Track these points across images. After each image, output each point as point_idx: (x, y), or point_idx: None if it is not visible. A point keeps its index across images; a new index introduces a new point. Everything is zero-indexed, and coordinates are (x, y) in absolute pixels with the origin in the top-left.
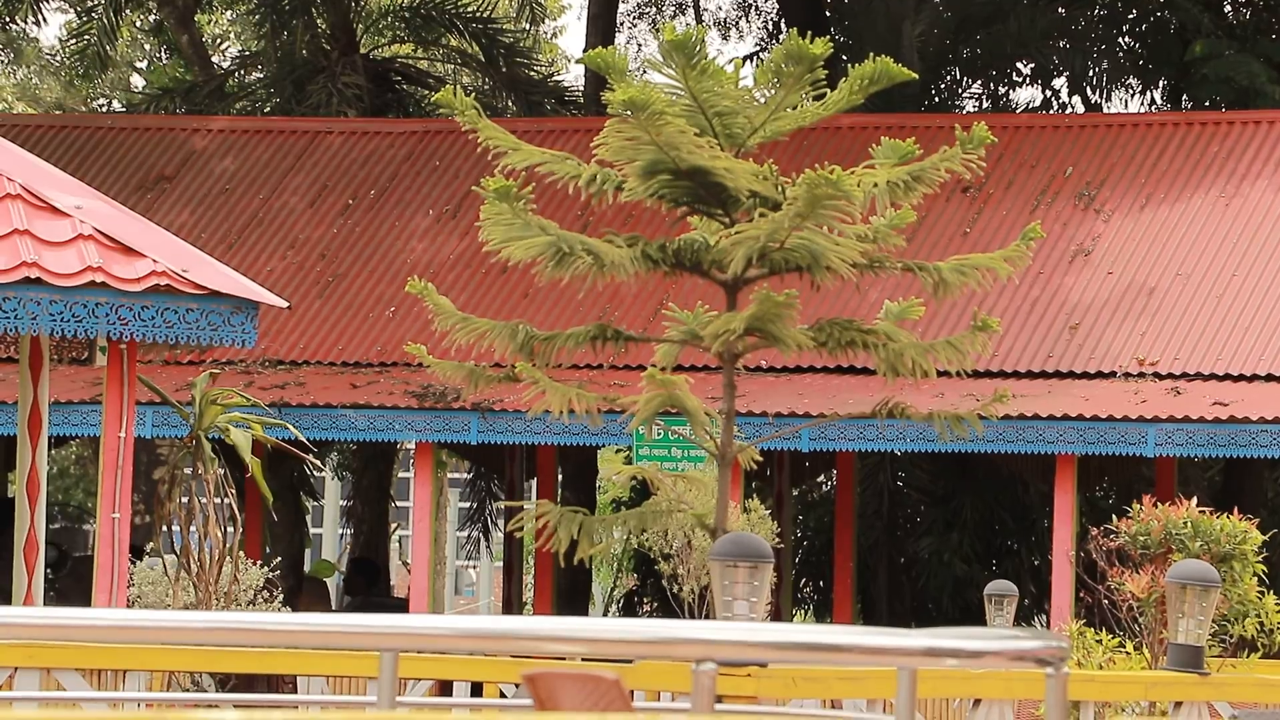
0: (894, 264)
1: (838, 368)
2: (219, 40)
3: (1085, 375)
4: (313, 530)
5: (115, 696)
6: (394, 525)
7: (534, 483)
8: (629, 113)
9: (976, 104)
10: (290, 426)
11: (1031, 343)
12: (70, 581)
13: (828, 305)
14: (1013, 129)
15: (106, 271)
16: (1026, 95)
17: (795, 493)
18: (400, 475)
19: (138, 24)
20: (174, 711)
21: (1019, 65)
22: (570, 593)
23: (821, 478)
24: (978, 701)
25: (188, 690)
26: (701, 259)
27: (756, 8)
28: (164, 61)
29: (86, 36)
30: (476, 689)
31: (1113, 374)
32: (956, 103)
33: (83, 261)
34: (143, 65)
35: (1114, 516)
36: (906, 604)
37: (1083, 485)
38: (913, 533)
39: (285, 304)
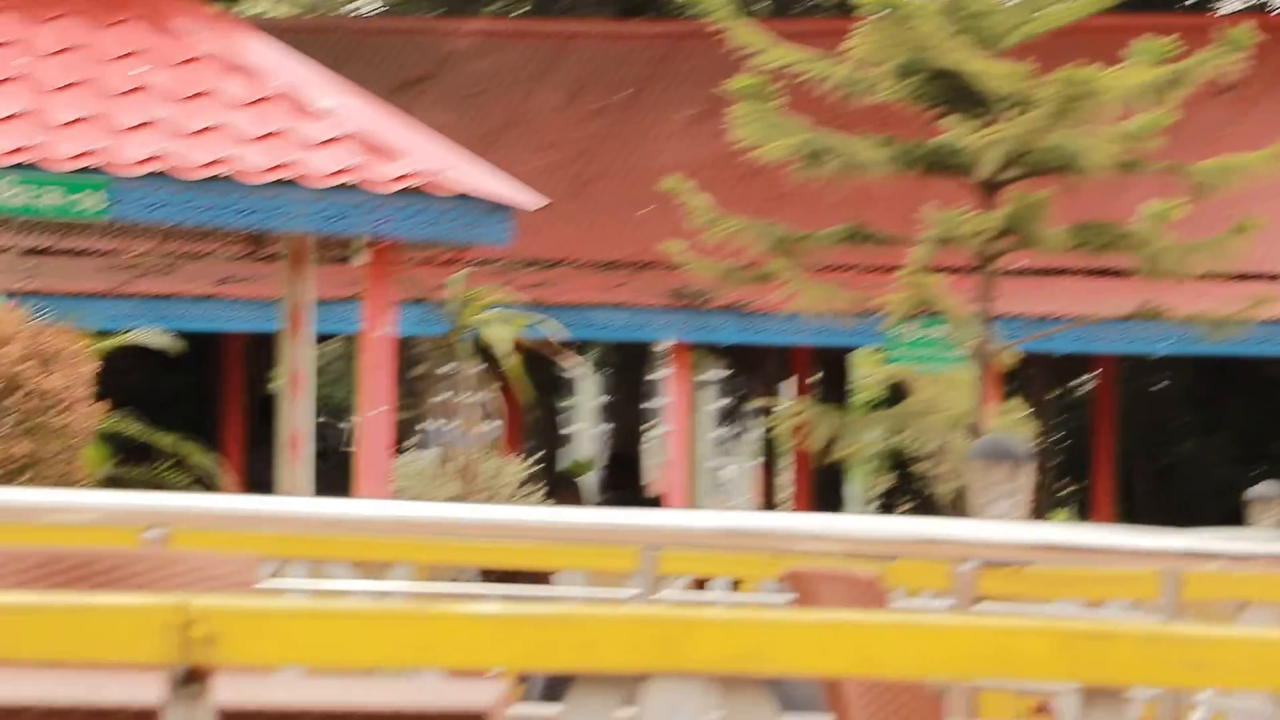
0: (1153, 165)
1: (1096, 269)
2: None
3: None
4: (568, 429)
5: (381, 587)
6: (650, 424)
7: (790, 382)
8: (882, 13)
9: (1236, 3)
10: (547, 324)
11: None
12: (334, 476)
13: (1086, 205)
14: (1274, 28)
15: (364, 172)
16: None
17: (1054, 395)
18: (656, 374)
19: None
20: (437, 603)
21: None
22: (826, 492)
23: (1080, 379)
24: (1244, 604)
25: (451, 582)
26: (956, 160)
27: None
28: None
29: None
30: (734, 586)
31: None
32: (1214, 3)
33: (340, 162)
34: None
35: None
36: (1168, 508)
37: None
38: (1175, 435)
39: (540, 203)
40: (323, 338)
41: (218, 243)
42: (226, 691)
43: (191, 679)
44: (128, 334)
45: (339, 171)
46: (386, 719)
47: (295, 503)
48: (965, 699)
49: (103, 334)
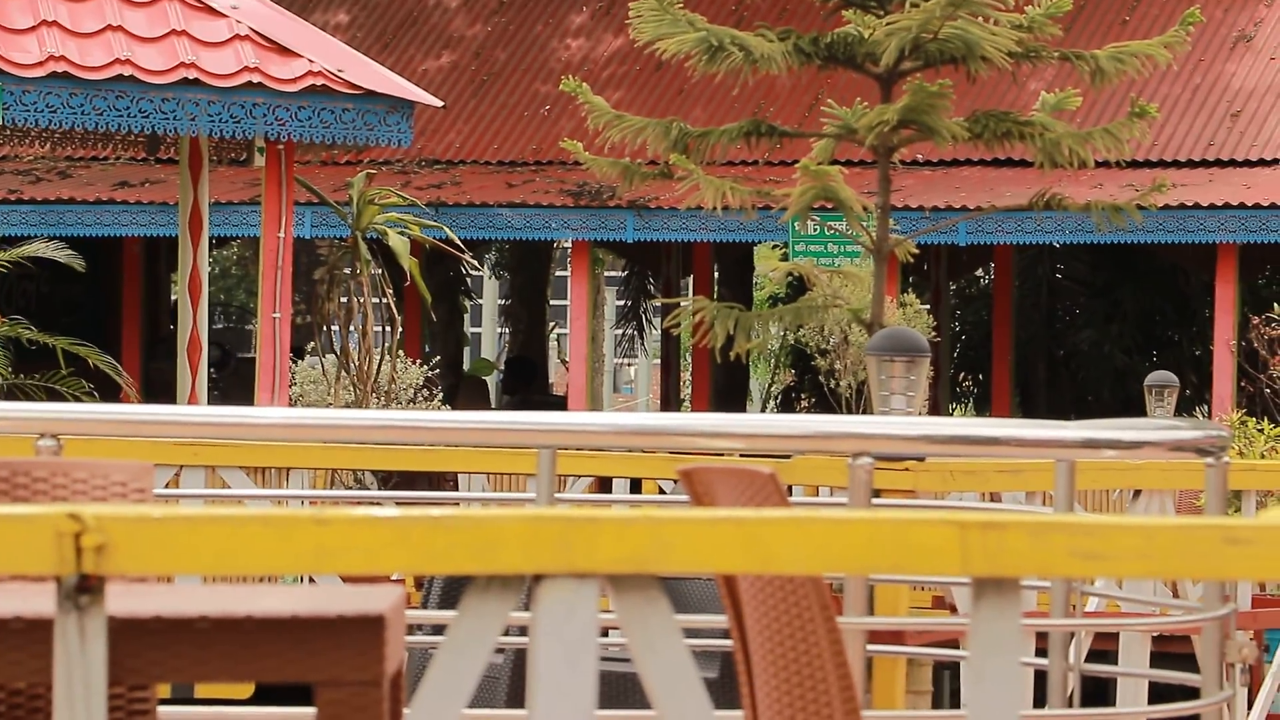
0: (1050, 53)
1: (994, 160)
2: None
3: (1247, 163)
4: (470, 329)
5: (279, 494)
6: (551, 324)
7: (690, 280)
8: None
9: None
10: (445, 229)
11: (1192, 131)
12: (233, 381)
13: (984, 97)
14: None
15: (263, 72)
16: None
17: (952, 286)
18: (557, 274)
19: None
20: (336, 508)
21: None
22: (727, 389)
23: (979, 271)
24: (1137, 493)
25: (350, 488)
26: (855, 52)
27: None
28: None
29: None
30: (635, 485)
31: (1275, 161)
32: None
33: (240, 62)
34: None
35: (1276, 305)
36: (1066, 397)
37: (1244, 274)
38: (1072, 325)
39: (440, 103)
40: (222, 241)
41: (114, 146)
42: (120, 601)
43: (83, 588)
44: (26, 247)
45: (238, 71)
46: (282, 624)
47: (192, 410)
48: (862, 593)
49: None
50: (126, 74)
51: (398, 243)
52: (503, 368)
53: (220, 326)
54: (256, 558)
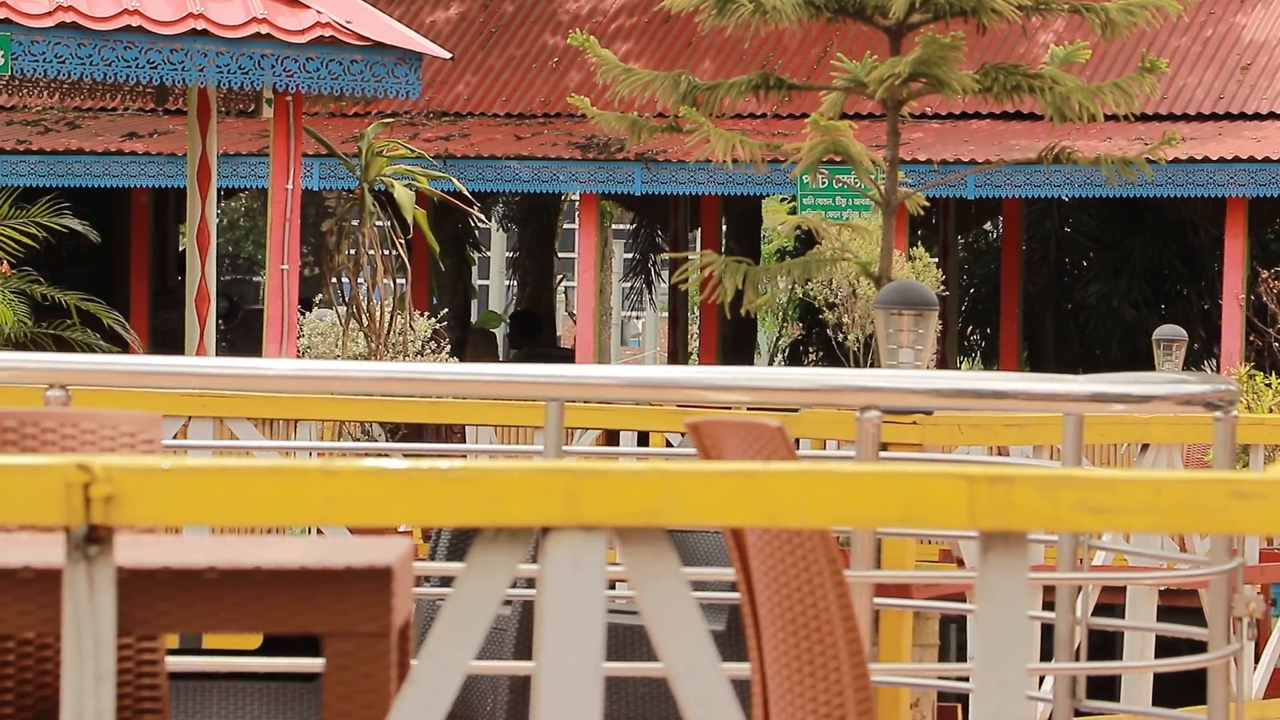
0: (1060, 5)
1: (1003, 113)
2: None
3: (1257, 116)
4: (478, 282)
5: (287, 445)
6: (559, 277)
7: (698, 233)
8: None
9: None
10: (454, 180)
11: (1202, 84)
12: (241, 332)
13: (994, 50)
14: None
15: (271, 23)
16: None
17: (961, 241)
18: (565, 227)
19: None
20: (344, 460)
21: None
22: (735, 343)
23: (988, 225)
24: (1145, 447)
25: (358, 440)
26: (864, 4)
27: None
28: None
29: None
30: (643, 439)
31: None
32: None
33: (248, 13)
34: None
35: None
36: (1074, 351)
37: (1253, 228)
38: (1080, 279)
39: (448, 55)
40: (230, 192)
41: (123, 97)
42: (128, 552)
43: (92, 539)
44: (45, 217)
45: (246, 22)
46: (290, 575)
47: (200, 361)
48: (870, 547)
49: (4, 190)
50: (135, 24)
51: (403, 195)
52: (511, 320)
53: (228, 278)
54: (264, 509)
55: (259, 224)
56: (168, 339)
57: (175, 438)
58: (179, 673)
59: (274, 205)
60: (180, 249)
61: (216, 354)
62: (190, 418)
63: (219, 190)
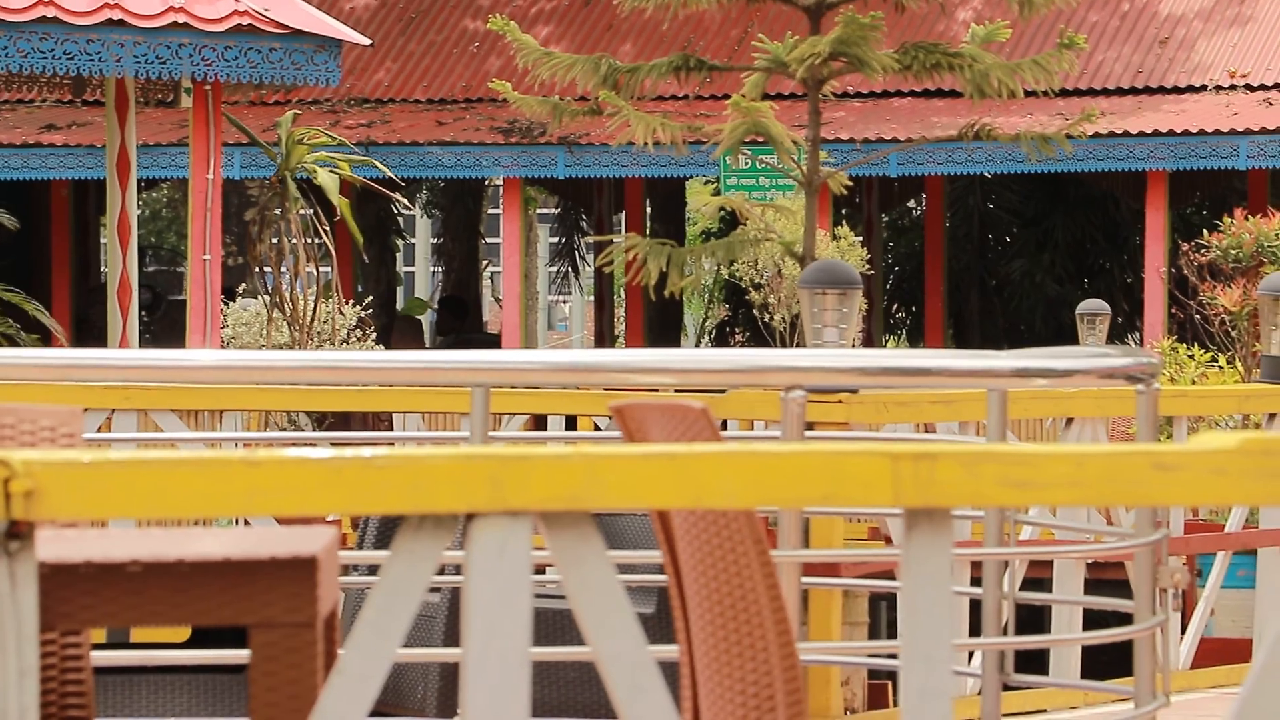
0: None
1: (924, 91)
2: None
3: (1176, 90)
4: (403, 269)
5: (212, 436)
6: (485, 262)
7: (622, 216)
8: None
9: None
10: (378, 164)
11: (1120, 58)
12: (164, 324)
13: (913, 28)
14: None
15: (189, 12)
16: None
17: (884, 219)
18: (489, 212)
19: None
20: (270, 450)
21: None
22: (661, 325)
23: (911, 203)
24: (1069, 421)
25: (284, 429)
26: None
27: None
28: None
29: None
30: (570, 423)
31: (1204, 87)
32: None
33: (165, 2)
34: None
35: (1206, 231)
36: (999, 326)
37: (1174, 201)
38: (1004, 255)
39: (368, 41)
40: (151, 183)
41: (39, 88)
42: (50, 546)
43: (13, 535)
44: None
45: (164, 11)
46: (216, 567)
47: (123, 353)
48: (797, 526)
49: None
50: (50, 15)
51: (326, 179)
52: (437, 306)
53: (151, 269)
54: (189, 501)
55: (181, 214)
56: (94, 334)
57: (99, 431)
58: (106, 667)
59: (195, 195)
60: (102, 241)
61: (140, 345)
62: (114, 410)
63: (139, 181)
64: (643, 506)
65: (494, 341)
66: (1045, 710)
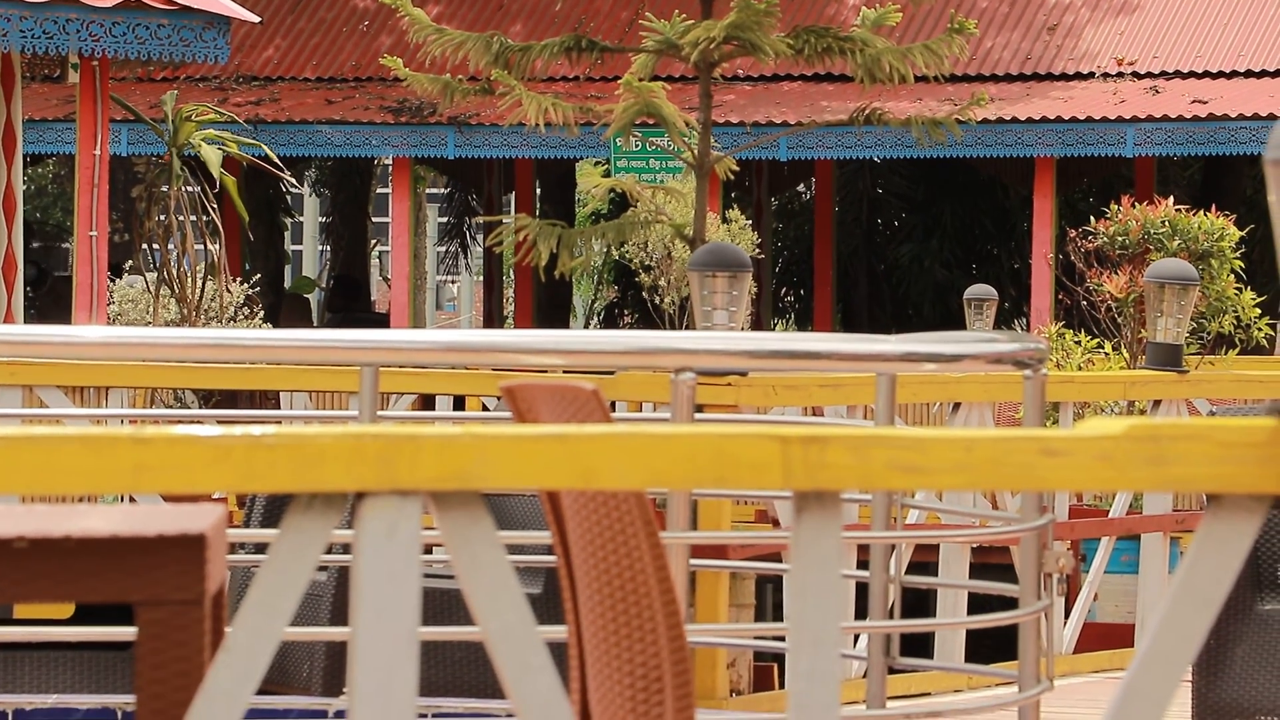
0: None
1: (814, 75)
2: None
3: (1064, 76)
4: (292, 248)
5: (98, 413)
6: (373, 241)
7: (512, 197)
8: None
9: None
10: (264, 146)
11: (1009, 45)
12: (50, 300)
13: (804, 12)
14: None
15: None
16: None
17: (774, 202)
18: (378, 191)
19: None
20: (156, 427)
21: None
22: (550, 306)
23: (800, 187)
24: (957, 406)
25: (171, 407)
26: None
27: None
28: None
29: None
30: (459, 403)
31: (1091, 74)
32: None
33: None
34: None
35: (1093, 218)
36: (887, 311)
37: (1062, 187)
38: (893, 239)
39: (257, 19)
40: (36, 158)
41: None
42: None
43: None
44: None
45: None
46: (102, 544)
47: (7, 329)
48: (685, 508)
49: None
50: None
51: (209, 153)
52: (324, 285)
53: (36, 245)
54: (75, 477)
55: (67, 190)
56: None
57: None
58: None
59: (81, 171)
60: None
61: (25, 321)
62: None
63: (25, 156)
64: (533, 487)
65: (382, 321)
66: (930, 693)
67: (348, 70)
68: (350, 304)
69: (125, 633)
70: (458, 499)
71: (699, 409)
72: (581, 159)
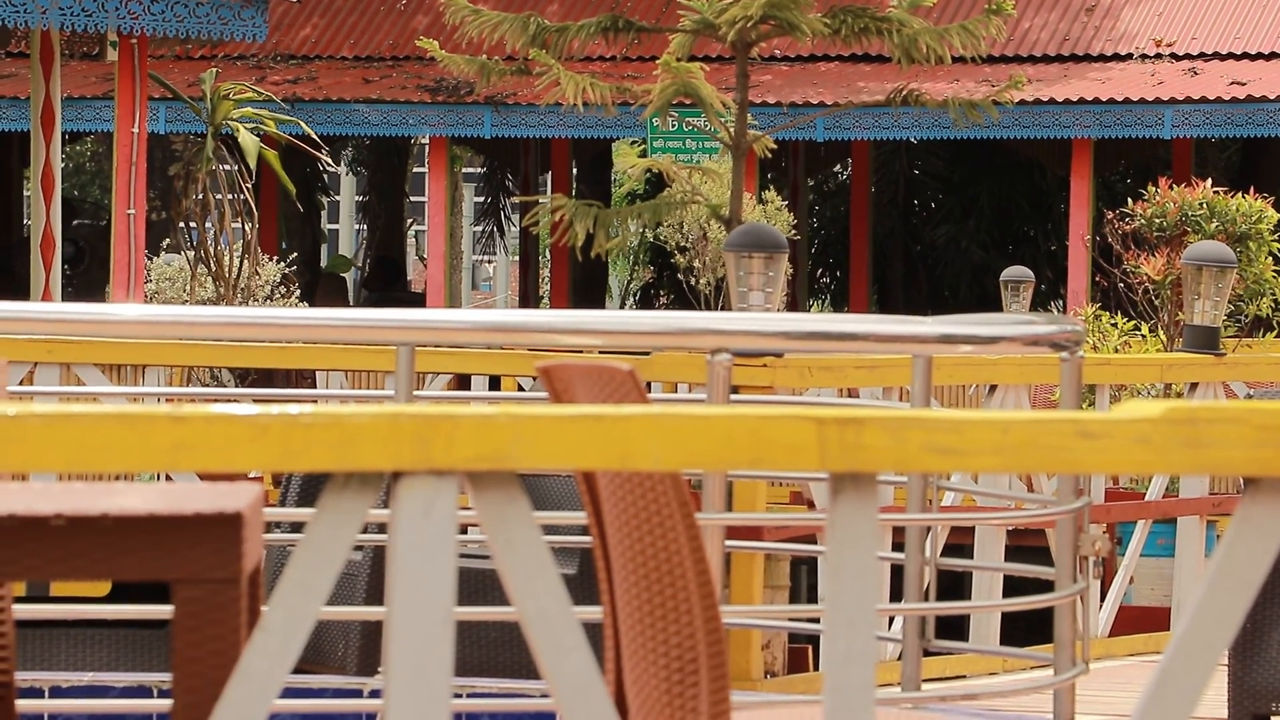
0: None
1: (852, 56)
2: None
3: (1102, 57)
4: (328, 227)
5: (134, 391)
6: (409, 220)
7: (549, 177)
8: None
9: None
10: (302, 124)
11: (1047, 26)
12: (87, 278)
13: None
14: None
15: None
16: None
17: (810, 183)
18: (415, 170)
19: None
20: (193, 406)
21: None
22: (586, 287)
23: (837, 168)
24: (993, 388)
25: (207, 385)
26: None
27: None
28: None
29: None
30: (495, 383)
31: (1129, 55)
32: None
33: None
34: None
35: (1130, 200)
36: (923, 292)
37: (1099, 169)
38: (929, 221)
39: None
40: (75, 136)
41: None
42: None
43: None
44: None
45: None
46: (139, 522)
47: (45, 306)
48: (721, 489)
49: None
50: None
51: (247, 140)
52: (361, 265)
53: (75, 223)
54: (112, 455)
55: (105, 168)
56: (18, 286)
57: (20, 384)
58: (27, 620)
59: (120, 149)
60: (25, 194)
61: (63, 299)
62: (36, 364)
63: (64, 134)
64: (569, 467)
65: (418, 300)
66: (965, 676)
67: (385, 49)
68: (388, 284)
69: (162, 611)
70: (494, 479)
71: (735, 390)
72: (618, 139)
